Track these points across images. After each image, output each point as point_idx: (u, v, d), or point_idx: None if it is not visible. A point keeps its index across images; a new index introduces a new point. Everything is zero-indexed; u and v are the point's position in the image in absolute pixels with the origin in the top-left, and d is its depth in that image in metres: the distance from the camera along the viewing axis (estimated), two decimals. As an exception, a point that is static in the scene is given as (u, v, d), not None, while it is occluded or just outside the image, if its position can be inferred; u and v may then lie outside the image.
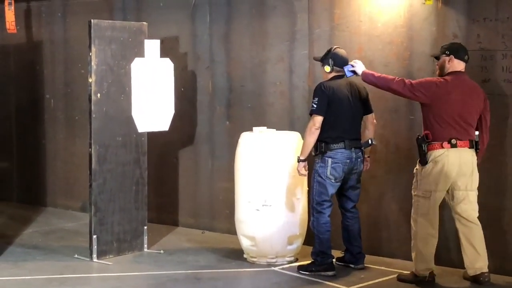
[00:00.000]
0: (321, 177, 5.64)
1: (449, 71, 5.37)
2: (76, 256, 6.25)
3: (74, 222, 7.72)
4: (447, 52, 5.38)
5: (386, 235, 6.24)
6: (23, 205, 8.61)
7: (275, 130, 6.29)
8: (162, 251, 6.45)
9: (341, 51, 5.77)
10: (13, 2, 7.48)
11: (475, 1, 5.69)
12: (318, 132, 5.60)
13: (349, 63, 5.68)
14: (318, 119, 5.58)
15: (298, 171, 5.72)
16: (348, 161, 5.64)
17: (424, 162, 5.32)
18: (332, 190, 5.68)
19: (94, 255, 6.13)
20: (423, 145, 5.32)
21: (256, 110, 6.90)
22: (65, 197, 8.37)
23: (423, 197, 5.36)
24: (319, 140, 5.63)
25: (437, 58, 5.49)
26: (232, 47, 7.05)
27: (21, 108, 8.75)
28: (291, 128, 6.54)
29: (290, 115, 6.71)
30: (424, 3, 5.87)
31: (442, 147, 5.27)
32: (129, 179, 6.34)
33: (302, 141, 6.04)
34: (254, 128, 6.19)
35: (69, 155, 8.29)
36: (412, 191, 5.49)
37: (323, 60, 5.77)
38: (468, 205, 5.35)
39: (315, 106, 5.59)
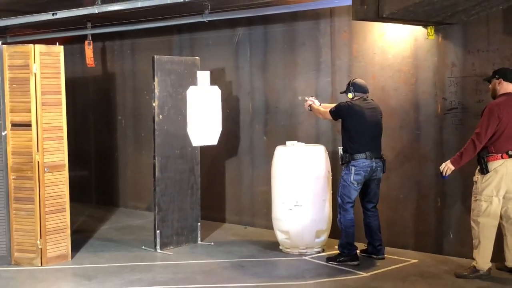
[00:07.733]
0: (346, 182, 5.69)
1: (501, 92, 5.17)
2: (143, 247, 6.32)
3: (141, 219, 7.76)
4: (497, 76, 5.17)
5: (399, 230, 6.21)
6: (100, 206, 8.63)
7: (304, 143, 6.30)
8: (212, 243, 6.47)
9: (359, 80, 5.82)
10: (91, 42, 7.62)
11: (470, 35, 5.67)
12: (326, 118, 5.85)
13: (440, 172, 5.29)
14: (329, 116, 5.77)
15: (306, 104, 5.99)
16: (368, 169, 5.66)
17: (484, 171, 5.10)
18: (354, 193, 5.71)
19: (158, 247, 6.18)
20: (484, 157, 5.09)
21: (288, 127, 6.90)
22: (134, 199, 8.43)
23: (485, 201, 5.12)
24: (345, 151, 5.69)
25: (489, 81, 5.30)
26: (268, 76, 7.08)
27: (98, 127, 8.83)
28: (317, 141, 6.56)
29: (316, 131, 6.71)
30: (427, 38, 5.89)
31: (502, 158, 5.06)
32: (185, 184, 6.37)
33: (326, 152, 6.11)
34: (287, 142, 6.21)
35: (137, 165, 8.36)
36: (473, 197, 5.24)
37: (346, 91, 5.81)
38: None
39: (333, 109, 5.73)
